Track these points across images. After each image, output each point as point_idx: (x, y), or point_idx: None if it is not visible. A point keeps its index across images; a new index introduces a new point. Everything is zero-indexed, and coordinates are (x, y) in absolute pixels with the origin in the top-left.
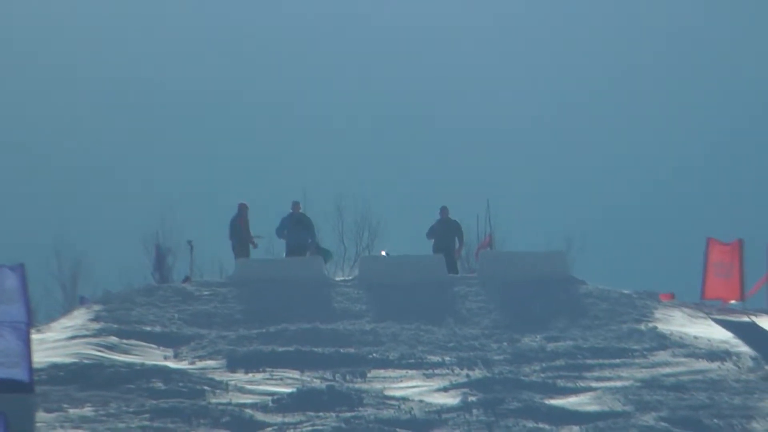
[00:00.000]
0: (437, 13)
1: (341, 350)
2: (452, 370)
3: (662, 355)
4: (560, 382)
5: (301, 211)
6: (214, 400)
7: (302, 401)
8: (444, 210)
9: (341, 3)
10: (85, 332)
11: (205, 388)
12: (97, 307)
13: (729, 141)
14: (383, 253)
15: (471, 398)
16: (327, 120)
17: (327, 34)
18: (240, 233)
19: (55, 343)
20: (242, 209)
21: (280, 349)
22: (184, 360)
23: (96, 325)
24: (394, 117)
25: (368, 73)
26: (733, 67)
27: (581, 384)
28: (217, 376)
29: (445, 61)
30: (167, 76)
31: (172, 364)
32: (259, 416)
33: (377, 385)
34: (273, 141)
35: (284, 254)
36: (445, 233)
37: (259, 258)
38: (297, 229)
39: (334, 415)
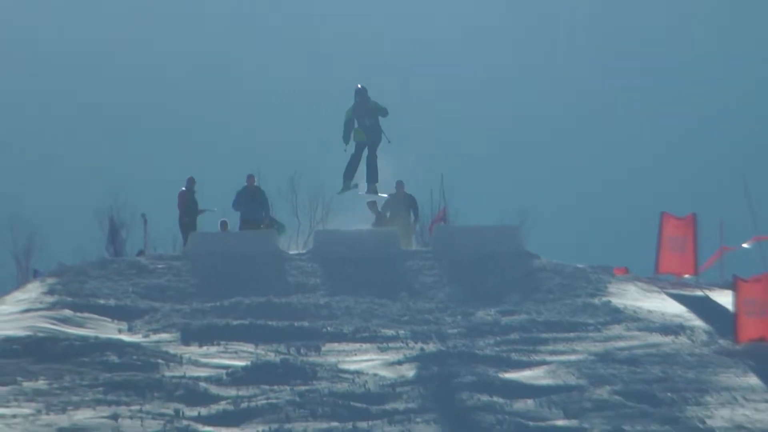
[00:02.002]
0: None
1: (295, 324)
2: (406, 344)
3: (616, 329)
4: (514, 356)
5: (255, 184)
6: (168, 374)
7: (256, 375)
8: (399, 184)
9: None
10: (39, 305)
11: (159, 361)
12: (51, 281)
13: (684, 116)
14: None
15: (425, 372)
16: (282, 95)
17: (276, 9)
18: (186, 207)
19: (8, 317)
20: (190, 183)
21: (234, 322)
22: (138, 333)
23: (50, 299)
24: (347, 91)
25: (323, 48)
26: (695, 49)
27: (535, 358)
28: (171, 350)
29: (400, 38)
30: (119, 53)
31: (126, 338)
32: (213, 389)
33: (331, 359)
34: (229, 115)
35: (238, 227)
36: (401, 207)
37: (212, 231)
38: (251, 203)
39: (288, 388)
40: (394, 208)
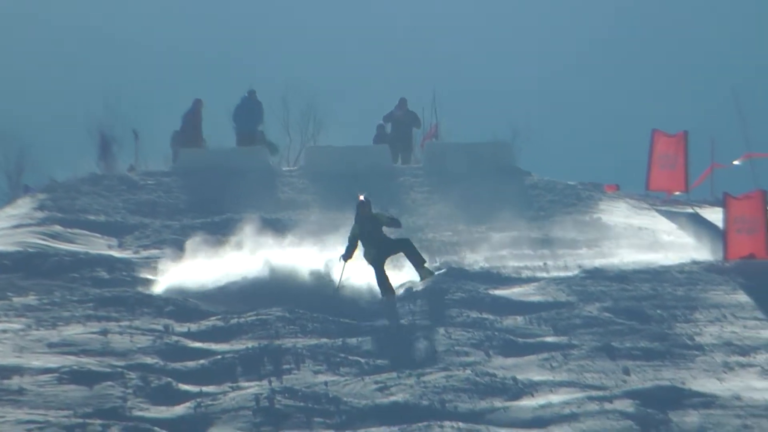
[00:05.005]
0: None
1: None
2: (397, 260)
3: (606, 246)
4: (504, 273)
5: (257, 98)
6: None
7: (246, 291)
8: (403, 101)
9: None
10: (29, 221)
11: (149, 277)
12: (41, 196)
13: (676, 32)
14: None
15: (415, 288)
16: (273, 9)
17: None
18: (192, 128)
19: None
20: (197, 104)
21: (225, 238)
22: (128, 249)
23: (40, 214)
24: (318, 5)
25: None
26: None
27: (525, 274)
28: (161, 266)
29: None
30: None
31: (116, 254)
32: (203, 306)
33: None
34: (220, 31)
35: (235, 142)
36: (403, 124)
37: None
38: (248, 115)
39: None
40: (396, 123)
